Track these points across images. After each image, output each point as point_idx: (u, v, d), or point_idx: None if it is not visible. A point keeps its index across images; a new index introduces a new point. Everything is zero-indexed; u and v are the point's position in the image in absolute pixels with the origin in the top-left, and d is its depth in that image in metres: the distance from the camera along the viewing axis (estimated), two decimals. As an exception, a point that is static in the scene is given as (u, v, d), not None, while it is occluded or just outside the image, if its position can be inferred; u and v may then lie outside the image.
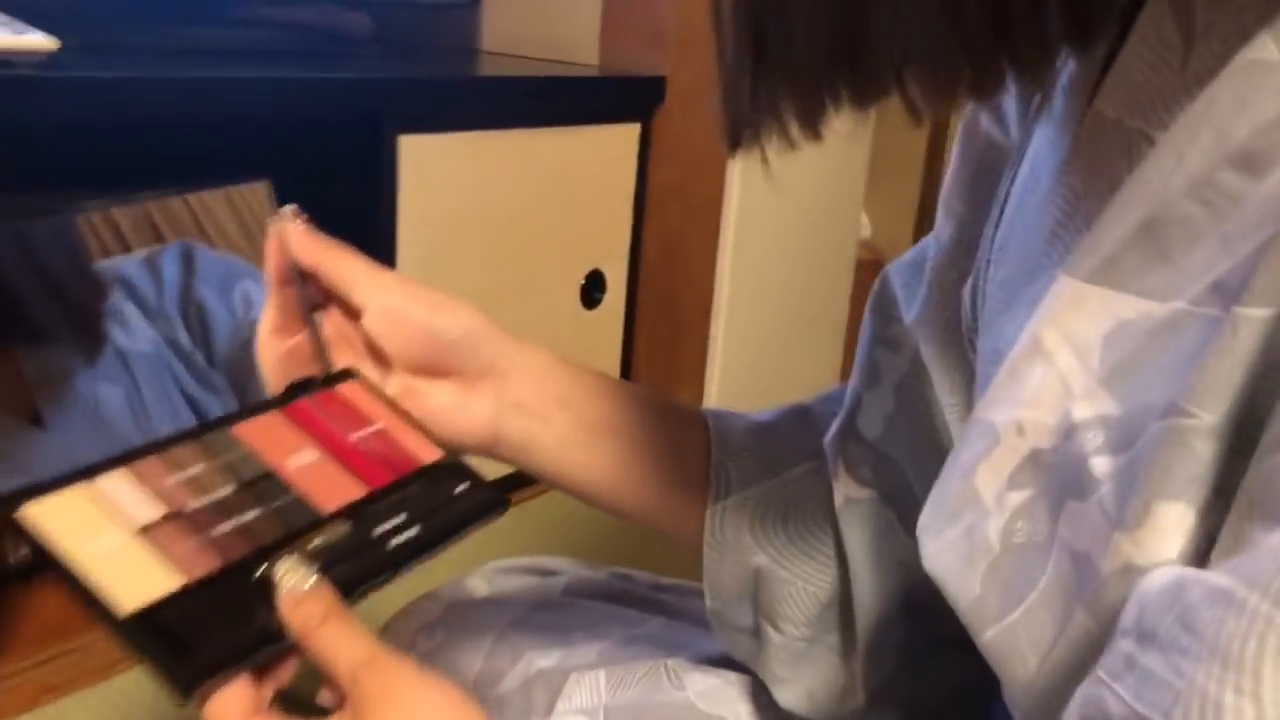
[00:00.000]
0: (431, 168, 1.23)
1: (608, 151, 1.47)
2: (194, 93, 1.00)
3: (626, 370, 1.61)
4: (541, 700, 0.71)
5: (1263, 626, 0.25)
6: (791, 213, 1.73)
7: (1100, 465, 0.32)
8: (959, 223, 0.52)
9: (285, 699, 0.46)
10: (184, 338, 1.20)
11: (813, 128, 0.38)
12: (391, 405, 0.59)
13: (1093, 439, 0.33)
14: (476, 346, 0.59)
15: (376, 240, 1.21)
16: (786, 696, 0.64)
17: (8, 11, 0.94)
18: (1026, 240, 0.41)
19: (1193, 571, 0.28)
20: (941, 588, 0.38)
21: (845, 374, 0.86)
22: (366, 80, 1.19)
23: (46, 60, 0.90)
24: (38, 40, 0.89)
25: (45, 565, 0.45)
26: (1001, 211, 0.46)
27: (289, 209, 0.59)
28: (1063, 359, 0.34)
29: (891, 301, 0.59)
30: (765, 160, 0.39)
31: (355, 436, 0.57)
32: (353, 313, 0.59)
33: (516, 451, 0.61)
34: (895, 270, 0.60)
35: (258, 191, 0.79)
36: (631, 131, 1.49)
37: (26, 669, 1.00)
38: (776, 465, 0.64)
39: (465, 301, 0.60)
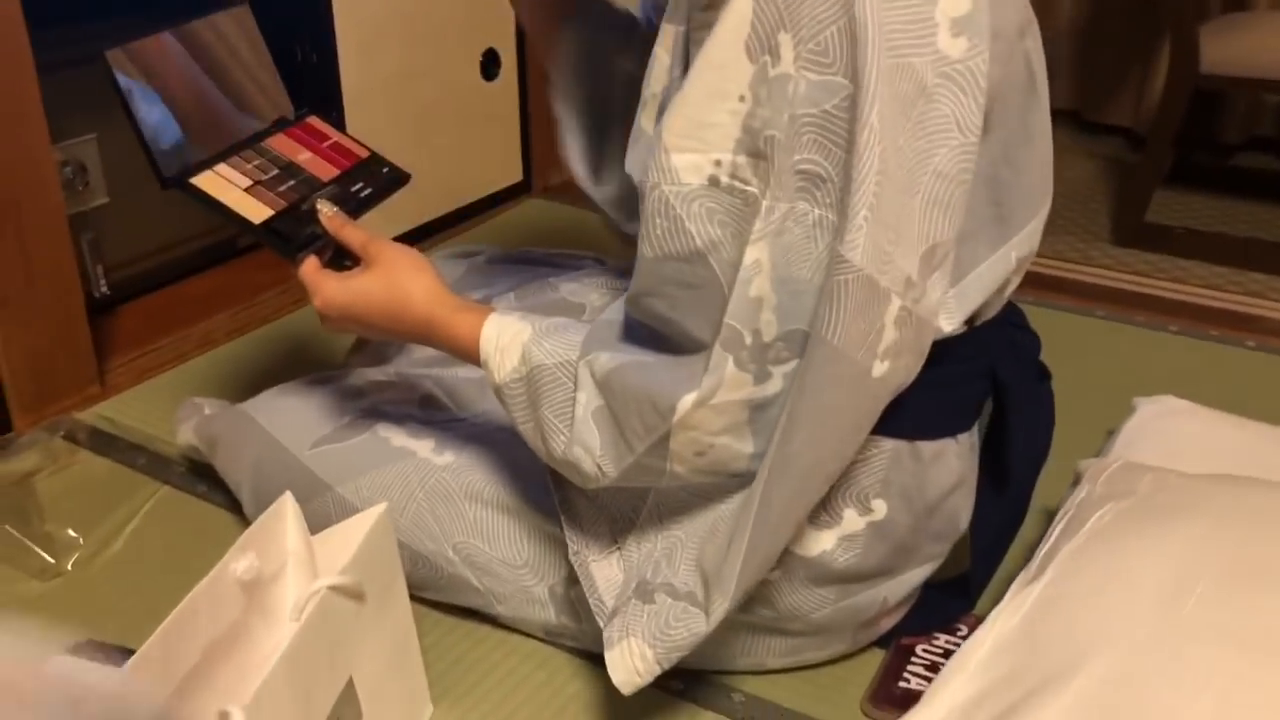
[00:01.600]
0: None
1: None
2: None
3: (525, 127, 2.02)
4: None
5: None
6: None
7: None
8: None
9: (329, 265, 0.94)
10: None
11: None
12: (333, 128, 1.08)
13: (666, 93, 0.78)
14: None
15: (319, 35, 1.60)
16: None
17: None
18: None
19: None
20: (631, 175, 0.83)
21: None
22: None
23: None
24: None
25: (208, 205, 0.91)
26: None
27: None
28: (662, 56, 0.78)
29: None
30: None
31: (324, 144, 1.05)
32: None
33: None
34: None
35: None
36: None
37: (128, 360, 1.46)
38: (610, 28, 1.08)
39: None
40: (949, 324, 0.81)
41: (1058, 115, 0.82)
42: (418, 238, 1.83)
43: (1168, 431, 1.14)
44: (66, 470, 1.24)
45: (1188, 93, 2.01)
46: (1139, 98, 2.58)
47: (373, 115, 1.69)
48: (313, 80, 1.63)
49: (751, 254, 0.72)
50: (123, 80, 0.89)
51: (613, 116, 1.07)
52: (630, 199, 1.13)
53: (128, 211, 1.54)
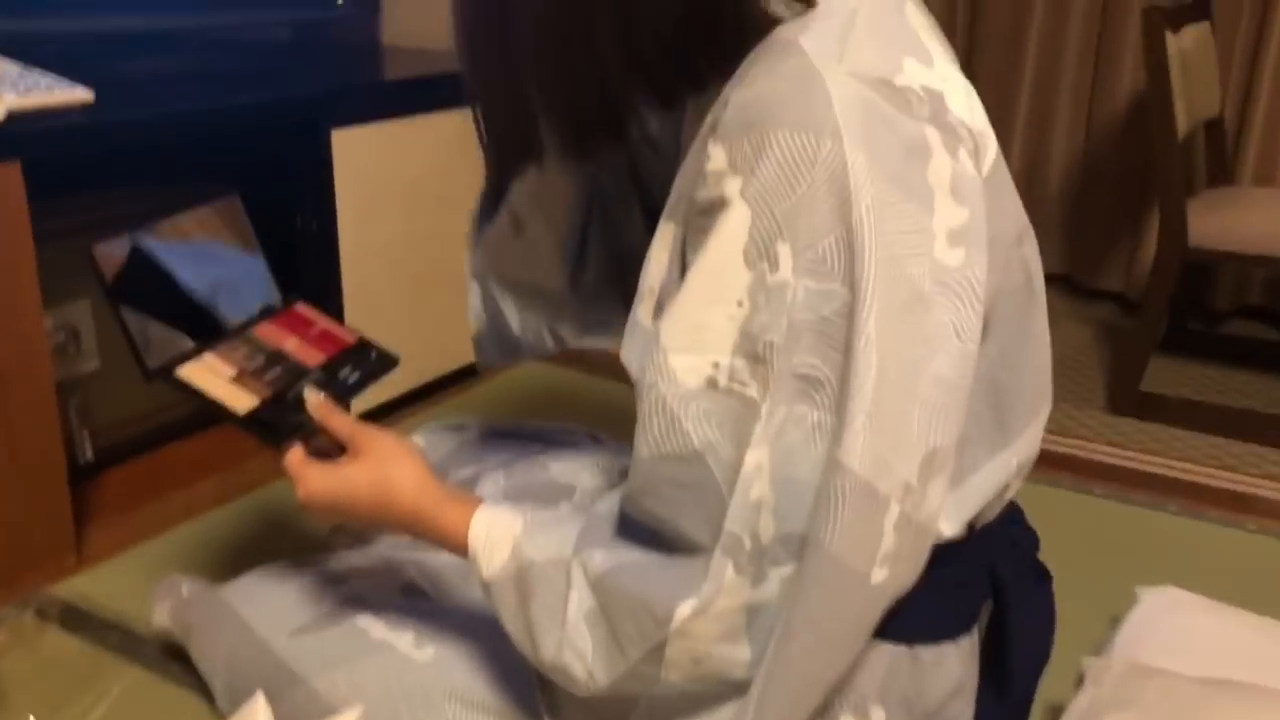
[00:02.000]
0: (357, 151, 1.64)
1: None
2: (182, 121, 1.41)
3: (521, 292, 2.03)
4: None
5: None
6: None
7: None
8: None
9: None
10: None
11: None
12: (322, 314, 1.08)
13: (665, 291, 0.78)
14: None
15: (321, 208, 1.63)
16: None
17: (40, 64, 1.33)
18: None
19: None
20: (627, 368, 0.82)
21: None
22: (305, 95, 1.61)
23: (86, 107, 1.30)
24: (81, 93, 1.29)
25: (193, 395, 0.90)
26: None
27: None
28: (660, 254, 0.78)
29: None
30: None
31: (311, 331, 1.04)
32: None
33: None
34: None
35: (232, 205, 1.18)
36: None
37: (108, 529, 1.43)
38: None
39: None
40: (949, 529, 0.79)
41: (1049, 280, 0.82)
42: (412, 400, 1.82)
43: (1172, 627, 1.10)
44: (35, 651, 1.19)
45: (1178, 264, 2.03)
46: (1130, 263, 2.61)
47: (370, 280, 1.70)
48: (312, 246, 1.65)
49: (752, 458, 0.70)
50: (108, 274, 0.89)
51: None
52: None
53: (118, 376, 1.53)
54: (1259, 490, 1.58)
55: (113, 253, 0.91)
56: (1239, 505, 1.54)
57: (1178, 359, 2.34)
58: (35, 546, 1.31)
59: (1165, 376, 2.24)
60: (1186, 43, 2.05)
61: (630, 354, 0.82)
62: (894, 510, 0.70)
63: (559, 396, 1.92)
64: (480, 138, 0.84)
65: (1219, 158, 2.34)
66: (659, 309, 0.79)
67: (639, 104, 0.77)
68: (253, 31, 2.01)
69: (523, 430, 1.30)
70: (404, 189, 1.73)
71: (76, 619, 1.25)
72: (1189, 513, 1.52)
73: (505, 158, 0.87)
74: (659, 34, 0.72)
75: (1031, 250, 0.80)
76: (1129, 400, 2.09)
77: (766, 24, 0.73)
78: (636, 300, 0.82)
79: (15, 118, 1.20)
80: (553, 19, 0.74)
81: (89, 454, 1.51)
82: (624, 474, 1.13)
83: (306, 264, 1.64)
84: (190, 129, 1.42)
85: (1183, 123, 2.02)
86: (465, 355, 1.95)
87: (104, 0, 1.57)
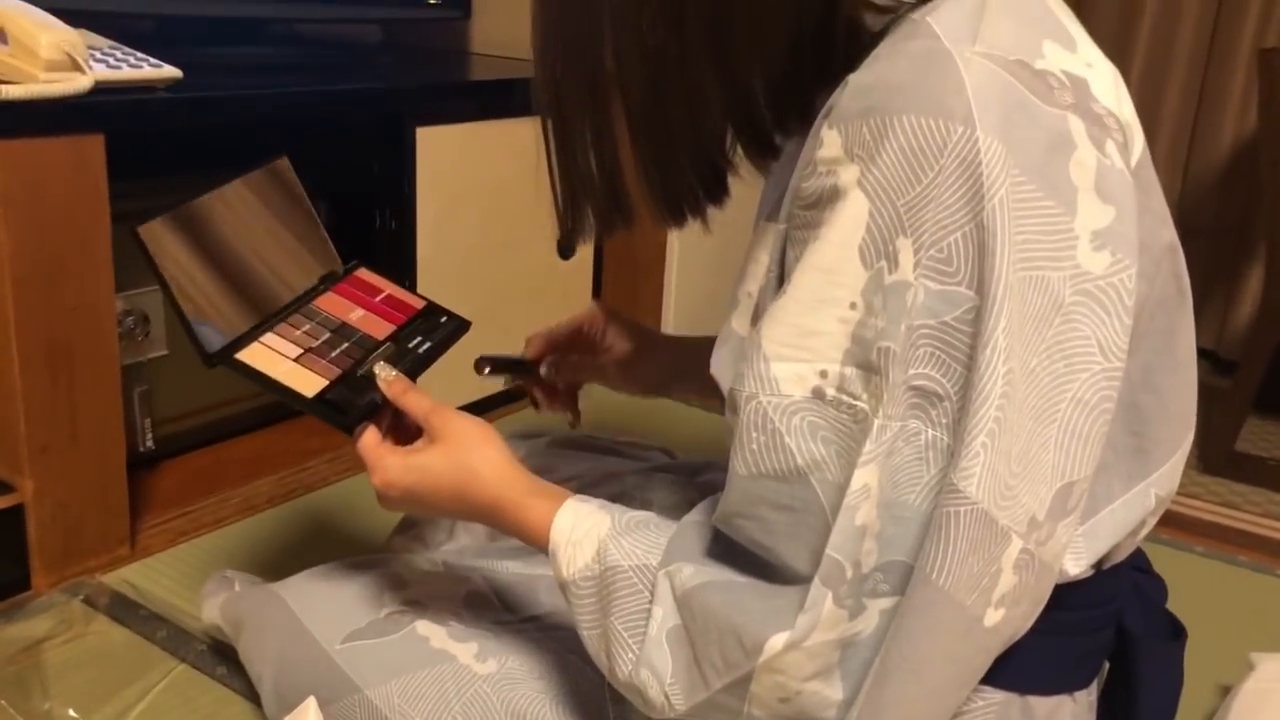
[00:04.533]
0: (441, 151, 1.61)
1: (575, 134, 1.85)
2: (269, 103, 1.38)
3: (594, 308, 1.99)
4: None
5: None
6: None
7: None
8: None
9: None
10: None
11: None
12: (385, 279, 1.02)
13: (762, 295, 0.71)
14: (642, 351, 1.11)
15: (402, 208, 1.59)
16: None
17: (130, 44, 1.31)
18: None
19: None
20: (718, 380, 0.76)
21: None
22: (392, 88, 1.58)
23: (173, 85, 1.28)
24: (169, 70, 1.27)
25: (257, 380, 0.85)
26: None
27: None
28: (760, 256, 0.73)
29: None
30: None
31: (376, 299, 0.99)
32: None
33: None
34: None
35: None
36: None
37: (163, 521, 1.39)
38: None
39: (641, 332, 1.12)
40: (1075, 567, 0.71)
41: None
42: (479, 411, 1.77)
43: (1294, 698, 1.01)
44: (81, 639, 1.15)
45: (1284, 321, 1.94)
46: (1224, 321, 2.51)
47: (446, 286, 1.65)
48: (390, 248, 1.62)
49: (860, 477, 0.63)
50: (158, 255, 0.84)
51: None
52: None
53: (185, 366, 1.50)
54: (1372, 561, 1.48)
55: (161, 231, 0.85)
56: (1353, 575, 1.44)
57: (1273, 420, 2.24)
58: (89, 533, 1.27)
59: (1259, 438, 2.14)
60: (1303, 89, 1.96)
61: (721, 365, 0.76)
62: (1015, 546, 0.63)
63: (631, 413, 1.87)
64: (562, 204, 0.79)
65: (1328, 213, 2.24)
66: (756, 316, 0.73)
67: (747, 155, 0.72)
68: (344, 27, 1.99)
69: (596, 442, 1.24)
70: (485, 193, 1.70)
71: (125, 609, 1.21)
72: (1300, 579, 1.42)
73: (586, 222, 0.79)
74: (770, 85, 0.68)
75: (1181, 261, 0.73)
76: (1222, 459, 2.00)
77: (878, 39, 0.66)
78: (730, 307, 0.76)
79: (102, 89, 1.17)
80: (655, 101, 0.69)
81: (149, 443, 1.48)
82: (700, 491, 1.07)
83: (383, 264, 1.60)
84: (275, 113, 1.39)
85: (1295, 171, 1.93)
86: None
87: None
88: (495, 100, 1.70)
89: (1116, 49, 2.48)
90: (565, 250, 0.84)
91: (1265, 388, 2.16)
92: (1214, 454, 2.01)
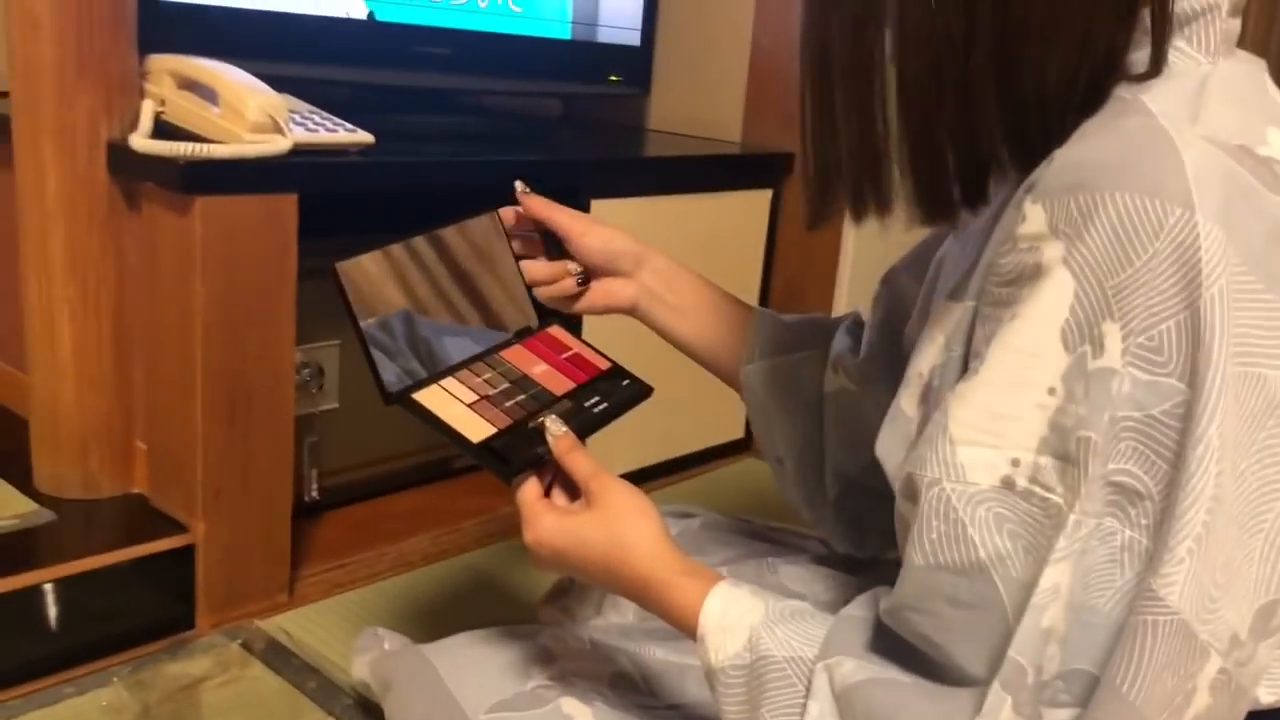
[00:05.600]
0: (614, 223, 1.62)
1: (746, 212, 1.85)
2: (455, 170, 1.42)
3: (755, 387, 1.96)
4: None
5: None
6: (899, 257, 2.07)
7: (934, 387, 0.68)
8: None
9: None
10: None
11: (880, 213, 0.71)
12: (576, 338, 1.02)
13: (938, 374, 0.68)
14: (625, 258, 1.04)
15: (570, 277, 1.61)
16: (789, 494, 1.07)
17: (326, 109, 1.37)
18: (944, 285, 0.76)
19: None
20: (882, 462, 0.73)
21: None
22: (570, 161, 1.61)
23: (366, 149, 1.33)
24: (363, 136, 1.32)
25: (428, 421, 0.85)
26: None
27: (520, 181, 1.02)
28: (936, 335, 0.69)
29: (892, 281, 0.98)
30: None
31: (562, 356, 0.98)
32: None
33: (644, 317, 1.08)
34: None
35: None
36: (765, 196, 1.86)
37: (321, 572, 1.42)
38: (791, 348, 1.04)
39: (620, 231, 1.05)
40: (1271, 695, 0.65)
41: None
42: (640, 481, 1.76)
43: None
44: (236, 682, 1.17)
45: None
46: None
47: (612, 347, 1.66)
48: (558, 317, 1.63)
49: (1050, 576, 0.59)
50: (352, 293, 0.86)
51: (813, 438, 1.03)
52: (853, 520, 1.04)
53: (355, 419, 1.54)
54: None
55: (360, 270, 0.87)
56: None
57: None
58: (252, 578, 1.31)
59: None
60: None
61: (888, 449, 0.72)
62: (1214, 665, 0.58)
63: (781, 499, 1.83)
64: (815, 181, 0.74)
65: None
66: (925, 397, 0.69)
67: (1001, 160, 0.68)
68: (528, 100, 2.05)
69: (751, 528, 1.21)
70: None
71: (280, 657, 1.23)
72: None
73: (835, 203, 0.74)
74: (1043, 81, 0.63)
75: None
76: None
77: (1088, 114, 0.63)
78: (902, 387, 0.73)
79: (300, 151, 1.22)
80: (932, 84, 0.65)
81: (314, 493, 1.52)
82: (859, 587, 1.02)
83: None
84: (460, 180, 1.43)
85: None
86: (688, 444, 1.90)
87: (392, 57, 1.62)
88: (667, 175, 1.72)
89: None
90: (812, 225, 0.79)
91: None
92: None
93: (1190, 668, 0.58)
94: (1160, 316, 0.57)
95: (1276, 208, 0.58)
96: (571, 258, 1.03)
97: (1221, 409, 0.56)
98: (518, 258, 1.02)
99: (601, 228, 1.03)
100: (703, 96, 1.98)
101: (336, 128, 1.31)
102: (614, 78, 1.89)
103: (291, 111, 1.28)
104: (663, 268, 1.05)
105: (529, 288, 1.02)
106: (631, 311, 1.06)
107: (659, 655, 0.98)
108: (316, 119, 1.32)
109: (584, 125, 2.08)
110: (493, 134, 1.74)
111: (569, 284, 1.03)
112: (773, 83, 1.89)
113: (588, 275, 1.03)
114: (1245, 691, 0.60)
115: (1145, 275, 0.57)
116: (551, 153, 1.65)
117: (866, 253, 1.99)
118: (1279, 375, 0.57)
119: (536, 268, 1.03)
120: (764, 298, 1.93)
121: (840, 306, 2.00)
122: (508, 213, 1.02)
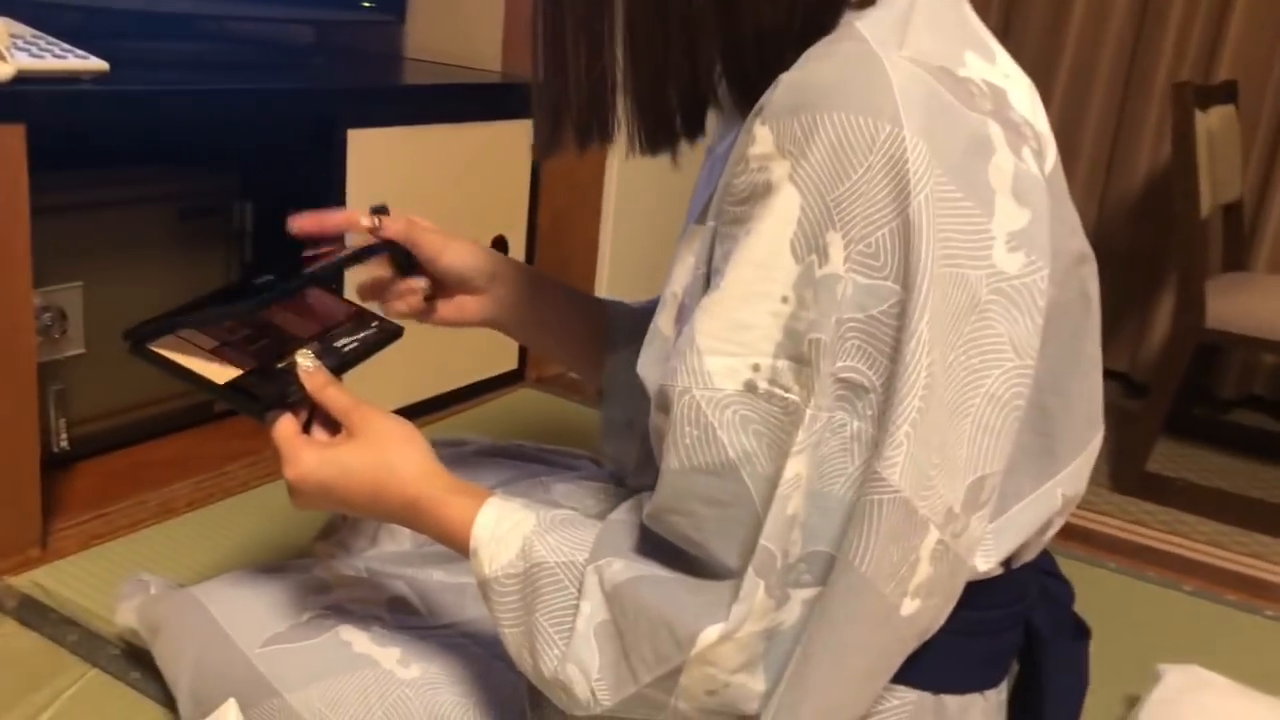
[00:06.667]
0: (372, 155, 1.60)
1: (508, 142, 1.85)
2: (199, 100, 1.36)
3: (524, 318, 1.98)
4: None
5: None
6: (662, 188, 2.13)
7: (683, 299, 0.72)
8: None
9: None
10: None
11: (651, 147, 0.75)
12: (323, 292, 1.00)
13: (689, 293, 0.72)
14: (479, 275, 1.02)
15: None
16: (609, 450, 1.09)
17: (55, 35, 1.28)
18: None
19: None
20: (644, 381, 0.77)
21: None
22: (326, 89, 1.56)
23: (99, 78, 1.25)
24: (96, 63, 1.24)
25: (168, 371, 0.83)
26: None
27: (382, 206, 1.03)
28: (686, 256, 0.73)
29: None
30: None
31: (304, 303, 0.96)
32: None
33: (502, 330, 1.08)
34: None
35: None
36: (526, 126, 1.87)
37: (77, 523, 1.35)
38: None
39: (476, 247, 1.04)
40: (985, 563, 0.73)
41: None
42: (408, 417, 1.76)
43: (1196, 707, 1.05)
44: (-13, 642, 1.12)
45: (1192, 345, 2.00)
46: (1136, 345, 2.59)
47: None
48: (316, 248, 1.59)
49: (792, 467, 0.64)
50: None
51: None
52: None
53: (103, 365, 1.47)
54: (1273, 577, 1.53)
55: (167, 345, 0.86)
56: (1256, 591, 1.49)
57: (1182, 443, 2.31)
58: (0, 533, 1.24)
59: (1169, 460, 2.21)
60: (1213, 122, 2.04)
61: (648, 365, 0.76)
62: (932, 536, 0.65)
63: (560, 423, 1.87)
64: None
65: (1235, 242, 2.32)
66: (680, 315, 0.74)
67: (719, 94, 0.72)
68: (276, 27, 1.97)
69: (524, 451, 1.24)
70: (415, 197, 1.69)
71: (35, 613, 1.18)
72: (1205, 594, 1.47)
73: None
74: (760, 20, 0.68)
75: (1091, 273, 0.75)
76: (1133, 480, 2.06)
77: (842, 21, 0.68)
78: (659, 308, 0.77)
79: (25, 79, 1.14)
80: (656, 19, 0.69)
81: (64, 443, 1.44)
82: (629, 497, 1.07)
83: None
84: (202, 110, 1.38)
85: (1206, 202, 2.00)
86: (460, 377, 1.91)
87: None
88: (427, 106, 1.70)
89: (1037, 75, 2.55)
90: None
91: (1175, 411, 2.24)
92: (1126, 474, 2.07)
93: (913, 540, 0.64)
94: (876, 224, 0.62)
95: (973, 123, 0.65)
96: (424, 272, 1.02)
97: (931, 306, 0.62)
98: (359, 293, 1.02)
99: (458, 246, 1.02)
100: (460, 25, 1.96)
101: (66, 54, 1.23)
102: (367, 3, 1.84)
103: (13, 36, 1.20)
104: (518, 282, 1.05)
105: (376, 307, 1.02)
106: (485, 325, 1.06)
107: (437, 577, 1.00)
108: (42, 44, 1.23)
109: (338, 54, 2.01)
110: (240, 62, 1.66)
111: (415, 301, 1.02)
112: (530, 13, 1.88)
113: (434, 292, 1.03)
114: (963, 561, 0.68)
115: (862, 187, 0.62)
116: (305, 81, 1.59)
117: (631, 185, 2.03)
118: (979, 274, 0.64)
119: (384, 287, 1.03)
120: (530, 232, 1.94)
121: (606, 239, 2.04)
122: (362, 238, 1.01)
